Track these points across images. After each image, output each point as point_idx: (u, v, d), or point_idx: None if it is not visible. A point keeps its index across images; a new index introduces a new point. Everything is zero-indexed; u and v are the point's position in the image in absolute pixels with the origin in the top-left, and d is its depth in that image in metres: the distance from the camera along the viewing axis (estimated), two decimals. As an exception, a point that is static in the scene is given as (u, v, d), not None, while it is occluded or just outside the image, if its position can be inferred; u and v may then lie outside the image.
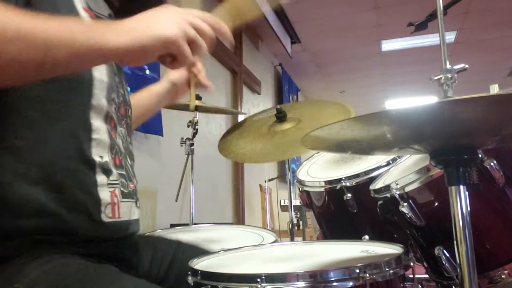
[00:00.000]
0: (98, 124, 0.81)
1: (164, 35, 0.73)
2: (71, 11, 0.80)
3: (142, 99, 1.15)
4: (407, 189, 1.17)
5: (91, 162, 0.79)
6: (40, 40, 0.62)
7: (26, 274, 0.69)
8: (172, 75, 1.16)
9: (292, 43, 5.53)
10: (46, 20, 0.64)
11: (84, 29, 0.68)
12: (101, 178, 0.80)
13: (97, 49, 0.68)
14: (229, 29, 0.87)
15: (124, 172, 0.87)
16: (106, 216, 0.80)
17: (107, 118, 0.83)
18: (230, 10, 0.95)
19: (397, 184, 1.19)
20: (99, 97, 0.81)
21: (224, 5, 0.95)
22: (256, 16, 0.99)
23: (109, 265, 0.77)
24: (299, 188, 1.74)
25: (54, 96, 0.76)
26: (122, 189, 0.85)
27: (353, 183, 1.52)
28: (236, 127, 1.72)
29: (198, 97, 2.25)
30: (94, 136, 0.79)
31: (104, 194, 0.80)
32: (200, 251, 1.02)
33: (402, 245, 0.93)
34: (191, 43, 0.77)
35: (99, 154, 0.80)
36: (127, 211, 0.86)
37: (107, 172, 0.81)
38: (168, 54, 0.77)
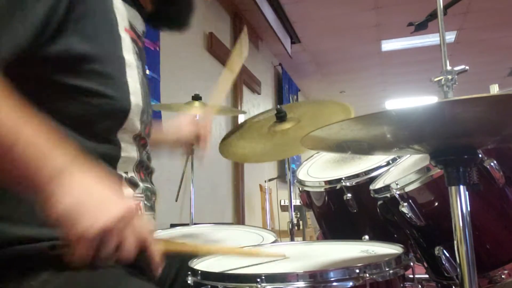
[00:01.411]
0: (127, 144, 0.82)
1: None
2: (112, 32, 0.78)
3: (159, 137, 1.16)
4: (407, 189, 1.17)
5: (118, 176, 0.80)
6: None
7: (37, 276, 0.69)
8: (183, 134, 1.20)
9: (292, 43, 5.53)
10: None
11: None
12: (127, 190, 0.81)
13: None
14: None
15: (149, 185, 0.89)
16: None
17: (137, 138, 0.84)
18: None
19: (397, 184, 1.19)
20: (133, 121, 0.81)
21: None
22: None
23: (118, 267, 0.77)
24: (299, 188, 1.74)
25: (90, 117, 0.75)
26: (146, 202, 0.86)
27: (353, 183, 1.51)
28: (236, 128, 1.73)
29: (198, 97, 2.25)
30: (123, 154, 0.80)
31: None
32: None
33: (402, 245, 0.93)
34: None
35: (124, 170, 0.81)
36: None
37: (134, 185, 0.83)
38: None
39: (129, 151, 0.82)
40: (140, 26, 0.90)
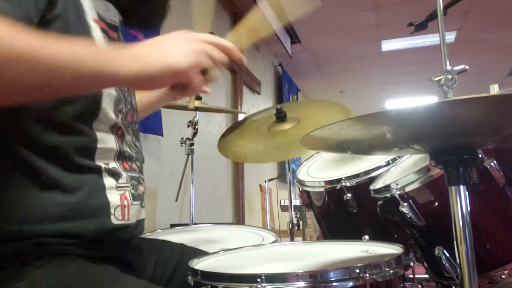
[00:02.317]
0: (103, 135, 0.80)
1: (175, 66, 0.72)
2: (80, 22, 0.78)
3: (143, 97, 1.15)
4: (407, 189, 1.17)
5: (97, 168, 0.79)
6: (45, 63, 0.61)
7: (26, 275, 0.69)
8: None
9: (292, 43, 5.52)
10: (54, 42, 0.63)
11: (93, 52, 0.67)
12: (108, 181, 0.80)
13: (105, 74, 0.67)
14: (242, 50, 0.86)
15: (135, 175, 0.88)
16: (116, 218, 0.80)
17: (114, 128, 0.83)
18: (245, 31, 0.97)
19: (397, 184, 1.19)
20: (107, 111, 0.80)
21: (239, 28, 0.97)
22: (269, 33, 0.99)
23: (111, 266, 0.77)
24: (299, 188, 1.74)
25: (61, 109, 0.75)
26: (132, 191, 0.85)
27: (353, 183, 1.51)
28: (235, 126, 1.72)
29: (198, 97, 2.26)
30: (99, 145, 0.79)
31: (113, 197, 0.80)
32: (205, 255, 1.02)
33: (402, 245, 0.93)
34: (204, 72, 0.78)
35: (104, 162, 0.80)
36: (136, 214, 0.86)
37: (115, 175, 0.82)
38: (179, 83, 0.78)
39: (107, 142, 0.81)
40: (114, 17, 0.89)
